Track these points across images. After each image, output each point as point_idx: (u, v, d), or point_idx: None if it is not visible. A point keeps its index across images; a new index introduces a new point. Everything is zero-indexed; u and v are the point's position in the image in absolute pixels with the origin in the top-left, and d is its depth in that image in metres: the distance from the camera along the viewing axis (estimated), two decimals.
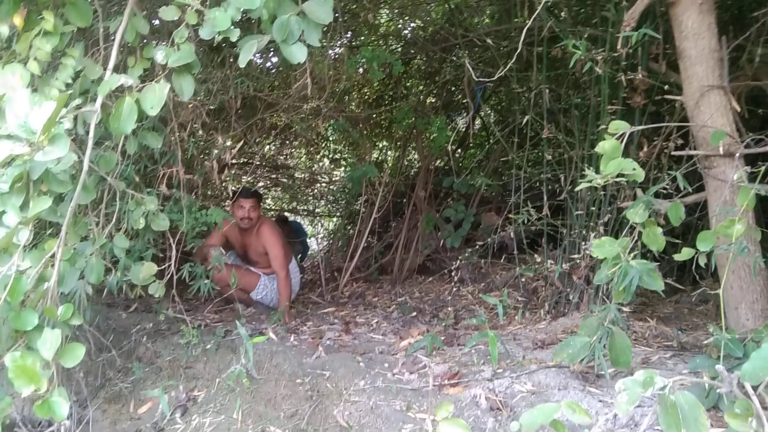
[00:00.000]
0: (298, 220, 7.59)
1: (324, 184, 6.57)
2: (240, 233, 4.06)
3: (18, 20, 2.07)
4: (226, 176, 4.38)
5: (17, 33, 2.12)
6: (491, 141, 5.55)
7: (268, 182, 6.37)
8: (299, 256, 6.38)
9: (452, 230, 4.91)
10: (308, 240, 7.31)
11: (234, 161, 5.12)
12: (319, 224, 6.89)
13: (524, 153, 3.68)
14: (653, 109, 3.06)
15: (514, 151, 3.72)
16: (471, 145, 6.05)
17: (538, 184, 3.83)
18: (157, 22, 2.77)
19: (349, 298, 4.67)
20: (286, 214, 6.67)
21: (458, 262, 4.18)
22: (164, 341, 3.07)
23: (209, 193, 4.80)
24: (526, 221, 3.48)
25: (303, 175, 6.45)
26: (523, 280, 4.01)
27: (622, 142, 1.92)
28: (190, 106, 3.09)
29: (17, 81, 1.73)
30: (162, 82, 1.92)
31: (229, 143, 3.97)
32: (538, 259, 3.59)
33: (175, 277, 2.81)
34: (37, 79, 2.08)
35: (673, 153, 2.64)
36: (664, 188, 2.34)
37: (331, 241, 6.40)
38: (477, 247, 4.30)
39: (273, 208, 6.94)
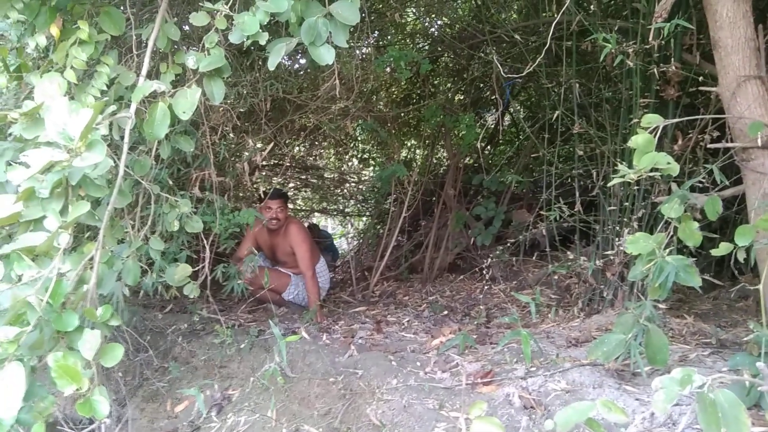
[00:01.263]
0: (324, 223, 7.65)
1: (353, 184, 6.59)
2: (268, 234, 4.10)
3: (55, 30, 2.13)
4: (257, 178, 4.42)
5: (54, 42, 2.19)
6: (521, 137, 5.50)
7: (298, 183, 6.42)
8: (331, 255, 6.42)
9: (482, 228, 4.89)
10: (335, 241, 7.36)
11: (264, 163, 5.17)
12: (349, 224, 6.91)
13: (555, 149, 3.64)
14: (687, 101, 2.99)
15: (545, 147, 3.67)
16: (500, 141, 6.00)
17: (569, 180, 3.78)
18: (187, 27, 2.82)
19: (380, 297, 4.69)
20: (314, 221, 6.75)
21: (489, 260, 4.15)
22: (199, 341, 3.12)
23: (241, 195, 4.86)
24: (558, 218, 3.44)
25: (332, 176, 6.47)
26: (555, 277, 3.97)
27: (655, 135, 1.89)
28: (220, 109, 3.14)
29: (55, 89, 1.78)
30: (193, 86, 1.96)
31: (259, 145, 4.01)
32: (571, 256, 3.55)
33: (209, 278, 2.87)
34: (74, 87, 2.14)
35: (708, 146, 2.57)
36: (700, 182, 2.29)
37: (361, 241, 6.42)
38: (508, 244, 4.27)
39: (303, 208, 7.00)
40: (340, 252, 7.31)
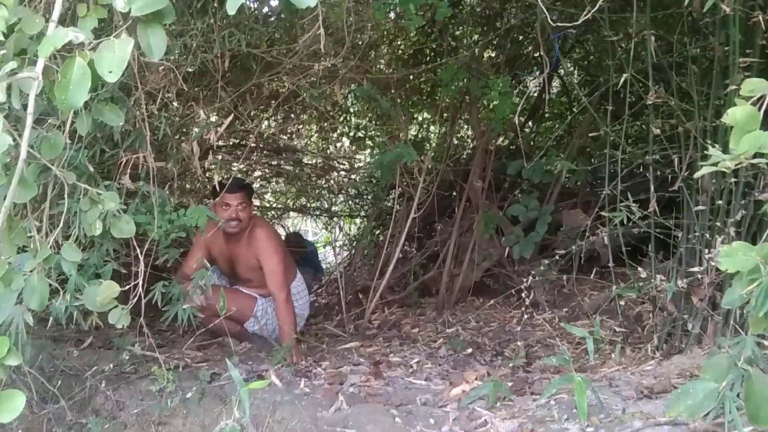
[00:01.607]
0: (303, 227, 7.64)
1: (343, 173, 6.58)
2: (226, 241, 4.10)
3: None
4: (211, 163, 4.42)
5: None
6: (575, 110, 5.50)
7: (267, 171, 6.42)
8: (312, 271, 6.41)
9: (521, 234, 4.90)
10: (319, 252, 7.36)
11: (221, 143, 5.17)
12: (337, 227, 6.91)
13: (622, 126, 3.63)
14: None
15: (607, 123, 3.67)
16: (547, 115, 6.00)
17: (641, 168, 3.78)
18: None
19: (380, 328, 4.70)
20: (289, 226, 6.75)
21: (530, 278, 4.13)
22: (130, 388, 3.12)
23: (188, 186, 4.84)
24: (625, 221, 3.43)
25: (314, 161, 6.47)
26: (621, 303, 3.96)
27: (760, 108, 1.88)
28: (161, 69, 3.13)
29: None
30: (123, 36, 1.95)
31: (214, 119, 4.00)
32: (643, 274, 3.54)
33: (143, 301, 2.85)
34: None
35: None
36: None
37: (353, 251, 6.42)
38: (556, 257, 4.26)
39: (274, 206, 7.00)
40: (325, 267, 7.31)
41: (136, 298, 2.78)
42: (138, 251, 2.82)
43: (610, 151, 3.66)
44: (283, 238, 6.08)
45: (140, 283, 2.82)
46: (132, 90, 2.99)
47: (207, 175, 4.78)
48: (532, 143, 5.79)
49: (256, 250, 4.05)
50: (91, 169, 2.82)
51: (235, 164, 5.50)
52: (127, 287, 2.73)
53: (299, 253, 6.32)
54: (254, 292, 4.17)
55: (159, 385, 3.01)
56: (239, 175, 5.32)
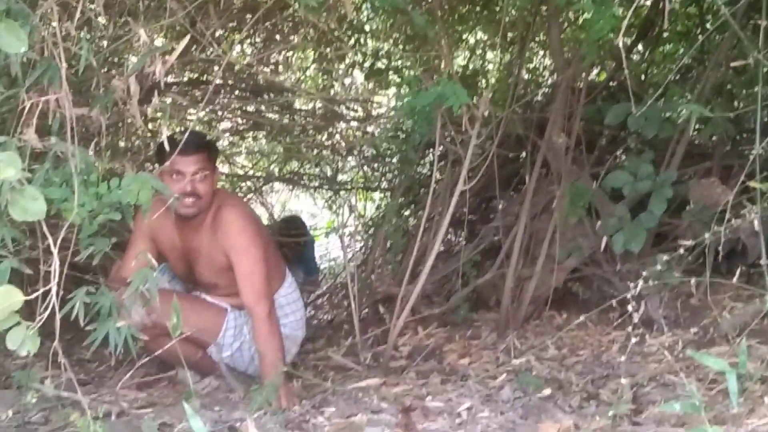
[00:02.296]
0: (293, 206, 7.67)
1: (354, 125, 6.58)
2: (179, 228, 4.14)
3: None
4: (157, 109, 4.41)
5: None
6: (708, 26, 5.44)
7: (241, 121, 6.42)
8: (303, 270, 6.44)
9: (626, 217, 4.88)
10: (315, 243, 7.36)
11: (172, 79, 5.16)
12: (346, 207, 6.92)
13: None
14: None
15: (759, 45, 3.64)
16: (666, 35, 5.94)
17: None
18: None
19: (411, 358, 4.72)
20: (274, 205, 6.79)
21: (640, 283, 4.13)
22: None
23: (123, 144, 4.85)
24: None
25: (311, 106, 6.47)
26: None
27: None
28: None
29: None
30: None
31: (160, 43, 3.99)
32: None
33: (58, 317, 2.87)
34: None
35: None
36: None
37: (370, 242, 6.43)
38: (680, 252, 4.24)
39: (251, 173, 7.00)
40: (321, 265, 7.34)
41: (47, 312, 2.81)
42: (50, 241, 2.84)
43: (763, 89, 3.63)
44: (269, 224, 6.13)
45: (53, 289, 2.84)
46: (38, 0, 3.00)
47: (150, 127, 4.78)
48: (643, 78, 5.75)
49: (223, 242, 4.07)
50: None
51: (192, 111, 5.50)
52: (34, 295, 2.76)
53: (296, 248, 6.35)
54: (223, 301, 4.20)
55: None
56: (198, 128, 5.33)
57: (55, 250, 2.80)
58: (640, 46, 5.93)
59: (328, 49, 5.92)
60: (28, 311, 2.64)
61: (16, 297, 2.56)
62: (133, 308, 3.34)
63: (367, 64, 5.99)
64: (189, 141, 3.84)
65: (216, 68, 5.09)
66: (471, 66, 5.83)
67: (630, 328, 4.26)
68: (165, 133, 3.99)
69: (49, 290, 2.81)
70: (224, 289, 4.20)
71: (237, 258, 4.05)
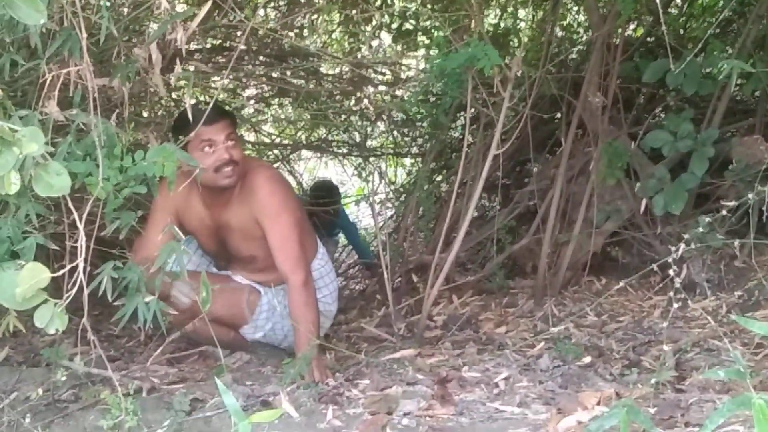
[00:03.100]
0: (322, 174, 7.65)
1: (383, 89, 6.55)
2: (206, 202, 4.10)
3: None
4: (180, 77, 4.37)
5: None
6: None
7: (266, 88, 6.42)
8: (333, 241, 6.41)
9: (666, 178, 4.85)
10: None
11: (194, 46, 5.12)
12: (376, 173, 6.90)
13: None
14: None
15: None
16: None
17: None
18: None
19: (446, 328, 4.72)
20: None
21: (682, 246, 4.07)
22: (69, 423, 3.16)
23: (147, 115, 4.82)
24: None
25: (338, 71, 6.43)
26: None
27: None
28: None
29: None
30: None
31: (182, 8, 3.94)
32: None
33: (86, 293, 2.83)
34: None
35: None
36: None
37: (402, 209, 6.41)
38: (723, 213, 4.19)
39: (277, 141, 6.98)
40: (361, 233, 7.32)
41: (74, 289, 2.77)
42: (76, 216, 2.80)
43: None
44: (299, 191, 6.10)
45: (80, 265, 2.81)
46: None
47: (174, 96, 4.74)
48: (681, 33, 5.68)
49: (254, 209, 4.03)
50: None
51: (215, 79, 5.47)
52: (61, 272, 2.73)
53: (328, 218, 6.33)
54: (260, 277, 4.18)
55: (113, 418, 2.99)
56: (222, 96, 5.29)
57: (80, 225, 2.80)
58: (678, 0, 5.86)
59: (353, 11, 5.91)
60: (54, 287, 2.63)
61: (42, 274, 2.56)
62: (177, 288, 3.31)
63: (394, 26, 6.00)
64: (213, 110, 3.84)
65: (239, 34, 5.06)
66: (502, 25, 5.82)
67: (672, 293, 4.21)
68: (189, 103, 3.96)
69: (76, 266, 2.81)
70: (261, 262, 4.18)
71: (269, 224, 4.01)
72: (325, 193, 6.67)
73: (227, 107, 4.22)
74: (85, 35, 3.00)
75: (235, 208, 4.07)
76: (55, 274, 2.62)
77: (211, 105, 3.83)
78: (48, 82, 3.07)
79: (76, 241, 2.85)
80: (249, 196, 4.02)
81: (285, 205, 4.04)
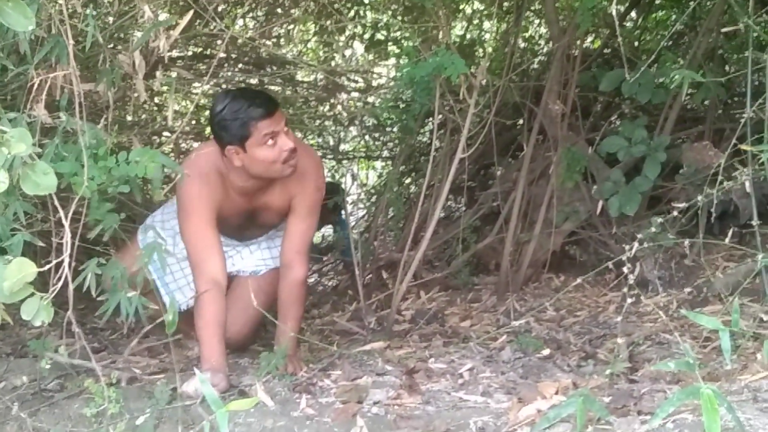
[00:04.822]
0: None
1: (356, 95, 6.56)
2: (247, 190, 3.83)
3: None
4: (162, 83, 4.39)
5: None
6: None
7: None
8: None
9: (621, 181, 4.88)
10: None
11: (176, 53, 5.13)
12: (348, 175, 6.92)
13: None
14: None
15: (749, 11, 3.62)
16: (659, 1, 5.91)
17: None
18: None
19: (414, 322, 4.72)
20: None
21: (635, 245, 4.12)
22: (54, 412, 3.15)
23: (129, 118, 4.83)
24: None
25: (313, 78, 6.44)
26: None
27: None
28: None
29: None
30: None
31: (164, 17, 3.96)
32: None
33: (71, 287, 2.87)
34: None
35: None
36: None
37: (373, 209, 6.43)
38: (674, 214, 4.24)
39: None
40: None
41: (60, 283, 2.80)
42: (62, 214, 2.83)
43: (753, 54, 3.61)
44: None
45: (66, 261, 2.84)
46: None
47: (156, 101, 4.76)
48: (636, 44, 5.72)
49: (297, 194, 3.86)
50: None
51: (197, 85, 5.48)
52: (47, 267, 2.75)
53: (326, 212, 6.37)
54: (249, 237, 4.14)
55: (96, 406, 3.00)
56: (202, 101, 5.29)
57: (66, 223, 2.80)
58: (633, 13, 5.90)
59: (328, 22, 5.90)
60: (41, 282, 2.63)
61: (29, 269, 2.55)
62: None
63: (366, 36, 5.99)
64: (266, 100, 3.63)
65: (219, 42, 5.06)
66: (468, 36, 5.82)
67: (626, 289, 4.25)
68: (173, 107, 3.97)
69: (62, 262, 2.82)
70: (268, 229, 4.15)
71: (303, 215, 3.87)
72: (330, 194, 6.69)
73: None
74: (72, 42, 2.99)
75: (277, 191, 3.85)
76: (42, 270, 2.63)
77: (258, 94, 3.69)
78: (36, 86, 3.05)
79: (62, 238, 2.89)
80: (296, 182, 3.81)
81: (320, 202, 3.95)
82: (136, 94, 3.87)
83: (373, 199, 6.62)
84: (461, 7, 5.76)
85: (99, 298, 3.18)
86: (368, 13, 5.91)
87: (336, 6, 5.76)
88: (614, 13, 3.85)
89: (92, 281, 3.05)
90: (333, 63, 6.35)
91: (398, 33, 5.77)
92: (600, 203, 4.88)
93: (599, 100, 5.50)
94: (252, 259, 4.22)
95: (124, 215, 3.21)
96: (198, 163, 3.65)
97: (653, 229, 4.09)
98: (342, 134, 6.81)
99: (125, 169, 3.05)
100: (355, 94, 6.54)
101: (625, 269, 3.82)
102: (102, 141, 3.11)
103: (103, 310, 3.21)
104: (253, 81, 6.17)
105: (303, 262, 3.86)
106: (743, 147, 3.48)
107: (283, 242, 3.92)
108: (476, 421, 3.07)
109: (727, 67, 4.92)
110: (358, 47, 6.17)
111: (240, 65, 6.04)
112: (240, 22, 5.61)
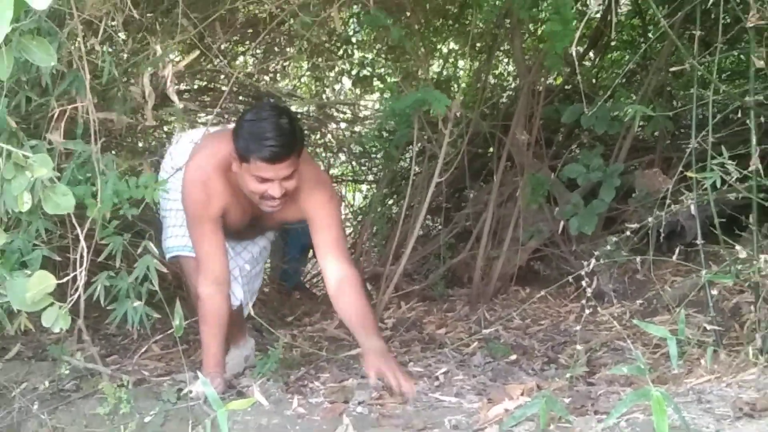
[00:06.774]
0: None
1: (343, 125, 6.56)
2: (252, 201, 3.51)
3: None
4: (170, 113, 4.39)
5: None
6: (651, 35, 5.44)
7: None
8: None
9: (580, 203, 4.88)
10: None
11: (183, 86, 5.13)
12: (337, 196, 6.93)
13: (713, 57, 3.60)
14: None
15: (695, 53, 3.64)
16: (613, 44, 5.94)
17: (739, 113, 3.74)
18: None
19: (395, 329, 4.70)
20: None
21: (592, 261, 4.13)
22: (71, 410, 3.13)
23: (140, 144, 4.82)
24: (718, 184, 3.41)
25: (305, 109, 6.44)
26: (714, 292, 3.93)
27: None
28: None
29: None
30: None
31: (173, 55, 3.96)
32: (742, 254, 3.52)
33: (82, 298, 2.86)
34: None
35: None
36: None
37: (359, 227, 6.42)
38: (627, 233, 4.25)
39: None
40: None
41: (77, 294, 2.79)
42: (79, 231, 2.82)
43: (697, 91, 3.64)
44: None
45: (80, 273, 2.83)
46: (66, 19, 2.97)
47: (164, 128, 4.75)
48: (594, 81, 5.74)
49: (308, 208, 3.52)
50: (14, 124, 2.81)
51: (201, 115, 5.48)
52: (65, 279, 2.73)
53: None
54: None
55: (108, 406, 3.00)
56: (216, 124, 5.27)
57: (82, 239, 2.78)
58: (591, 54, 5.93)
59: (320, 59, 5.94)
60: (60, 292, 2.62)
61: (49, 281, 2.54)
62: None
63: (354, 72, 5.98)
64: (281, 145, 3.14)
65: (221, 77, 5.06)
66: (444, 73, 5.83)
67: (584, 301, 4.27)
68: (180, 131, 3.87)
69: (77, 275, 2.80)
70: (266, 231, 3.99)
71: (326, 222, 3.52)
72: None
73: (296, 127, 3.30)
74: (89, 76, 3.00)
75: (289, 204, 3.45)
76: (60, 281, 2.61)
77: (275, 131, 3.14)
78: (56, 115, 3.05)
79: (78, 254, 2.89)
80: (306, 195, 3.47)
81: (339, 208, 3.87)
82: (144, 121, 3.86)
83: (359, 218, 6.61)
84: (438, 47, 5.78)
85: (109, 308, 3.15)
86: (356, 51, 5.94)
87: (327, 45, 5.79)
88: (574, 53, 3.87)
89: (102, 292, 3.05)
90: (324, 96, 6.36)
91: (382, 70, 5.79)
92: (561, 223, 4.90)
93: (561, 131, 5.52)
94: (245, 254, 4.01)
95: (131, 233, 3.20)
96: (202, 166, 3.42)
97: (609, 247, 4.11)
98: (332, 160, 6.80)
99: (135, 192, 3.05)
100: (343, 125, 6.55)
101: (583, 283, 3.83)
102: (114, 166, 3.10)
103: (113, 319, 3.18)
104: None
105: (352, 262, 3.69)
106: (689, 174, 3.50)
107: (324, 259, 3.54)
108: (450, 420, 3.06)
109: (674, 102, 4.95)
110: (346, 82, 6.19)
111: (240, 98, 6.04)
112: (241, 58, 5.61)
